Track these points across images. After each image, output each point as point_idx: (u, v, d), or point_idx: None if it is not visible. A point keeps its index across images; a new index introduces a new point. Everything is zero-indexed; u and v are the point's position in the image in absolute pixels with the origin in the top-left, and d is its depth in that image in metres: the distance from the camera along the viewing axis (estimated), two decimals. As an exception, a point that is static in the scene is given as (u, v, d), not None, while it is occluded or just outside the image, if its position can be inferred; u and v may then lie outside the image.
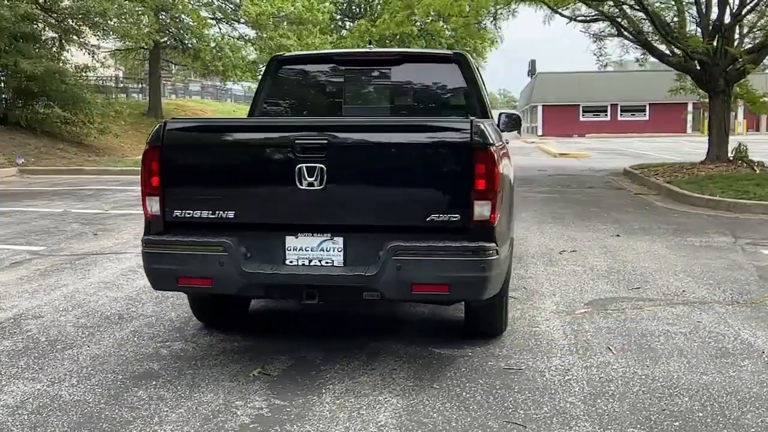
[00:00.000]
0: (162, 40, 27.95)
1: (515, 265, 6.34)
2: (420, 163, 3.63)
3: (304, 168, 3.60)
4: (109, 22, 20.47)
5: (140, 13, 21.68)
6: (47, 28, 21.15)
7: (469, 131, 3.54)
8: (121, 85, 36.16)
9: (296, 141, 3.62)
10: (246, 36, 31.84)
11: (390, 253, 3.54)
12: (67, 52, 22.29)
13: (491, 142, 3.59)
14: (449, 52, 5.29)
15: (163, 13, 27.06)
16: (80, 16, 20.03)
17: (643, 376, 3.85)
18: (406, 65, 5.35)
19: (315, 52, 5.80)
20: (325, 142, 3.61)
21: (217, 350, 4.30)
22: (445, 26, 36.52)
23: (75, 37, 21.86)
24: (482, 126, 3.58)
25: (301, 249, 3.72)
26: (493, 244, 3.60)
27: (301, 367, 3.99)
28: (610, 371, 3.94)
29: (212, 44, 28.45)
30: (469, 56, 5.28)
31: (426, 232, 3.61)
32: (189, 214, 3.74)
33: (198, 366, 4.03)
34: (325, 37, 32.78)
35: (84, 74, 22.38)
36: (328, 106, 5.32)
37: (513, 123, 6.27)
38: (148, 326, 4.78)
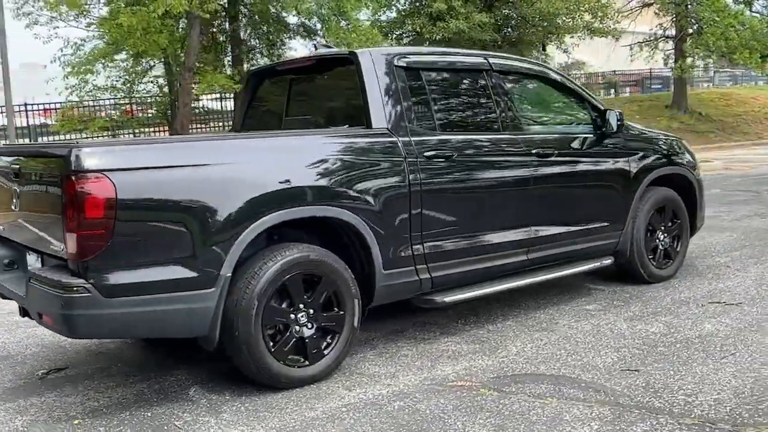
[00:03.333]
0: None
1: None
2: (46, 190, 3.54)
3: (15, 190, 3.90)
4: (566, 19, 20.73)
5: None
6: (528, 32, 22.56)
7: (64, 156, 3.31)
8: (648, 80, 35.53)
9: (12, 165, 3.93)
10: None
11: (27, 279, 3.59)
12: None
13: (87, 167, 3.25)
14: (345, 51, 4.48)
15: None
16: (541, 20, 20.80)
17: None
18: (326, 71, 4.77)
19: (275, 62, 5.54)
20: (18, 168, 3.83)
21: (107, 349, 4.79)
22: None
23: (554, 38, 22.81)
24: (79, 151, 3.28)
25: (32, 266, 4.00)
26: (81, 281, 3.27)
27: (83, 377, 4.23)
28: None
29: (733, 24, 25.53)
30: (374, 53, 4.38)
31: (63, 261, 3.50)
32: (-3, 226, 4.39)
33: (55, 359, 4.64)
34: None
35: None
36: (279, 118, 5.12)
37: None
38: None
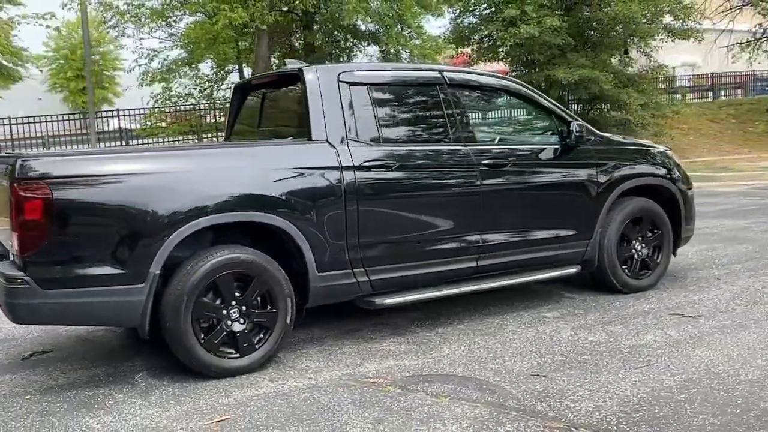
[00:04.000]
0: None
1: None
2: (7, 194, 4.03)
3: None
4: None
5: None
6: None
7: (11, 166, 3.83)
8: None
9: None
10: None
11: (-8, 273, 4.14)
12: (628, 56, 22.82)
13: (27, 176, 3.75)
14: (296, 68, 4.81)
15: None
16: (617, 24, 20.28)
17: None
18: (286, 86, 5.11)
19: (252, 77, 5.92)
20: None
21: (94, 336, 5.35)
22: None
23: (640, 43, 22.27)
24: (22, 162, 3.78)
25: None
26: (22, 274, 3.78)
27: (58, 359, 4.77)
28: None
29: None
30: (320, 69, 4.71)
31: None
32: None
33: (46, 342, 5.24)
34: None
35: (645, 76, 22.53)
36: (254, 130, 5.52)
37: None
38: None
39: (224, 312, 4.19)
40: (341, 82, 4.67)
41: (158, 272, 3.98)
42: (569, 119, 5.42)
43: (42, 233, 3.77)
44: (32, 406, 3.92)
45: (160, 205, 3.97)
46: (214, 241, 4.36)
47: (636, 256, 5.76)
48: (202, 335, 4.14)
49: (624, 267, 5.70)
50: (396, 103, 4.94)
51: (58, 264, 3.82)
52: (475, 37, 23.09)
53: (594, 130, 5.64)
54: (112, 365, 4.56)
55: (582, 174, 5.42)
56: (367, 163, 4.57)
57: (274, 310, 4.32)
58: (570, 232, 5.39)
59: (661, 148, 6.13)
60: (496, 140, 5.30)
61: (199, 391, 4.04)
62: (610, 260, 5.58)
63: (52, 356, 4.86)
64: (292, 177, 4.36)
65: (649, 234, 5.82)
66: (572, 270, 5.48)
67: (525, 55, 21.17)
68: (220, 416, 3.67)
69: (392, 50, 16.63)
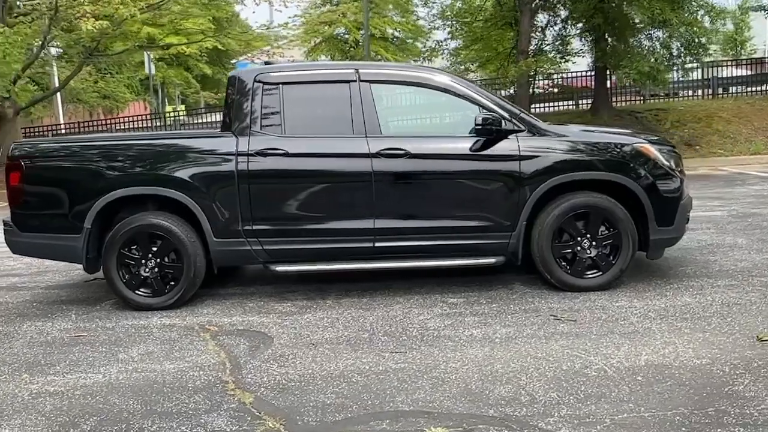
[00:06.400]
0: None
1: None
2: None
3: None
4: None
5: None
6: None
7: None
8: None
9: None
10: None
11: (2, 220, 6.15)
12: None
13: (11, 156, 5.59)
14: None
15: None
16: None
17: None
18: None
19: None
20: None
21: None
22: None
23: None
24: (11, 145, 5.69)
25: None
26: (10, 222, 5.69)
27: (96, 285, 6.74)
28: None
29: None
30: (241, 72, 5.70)
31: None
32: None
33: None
34: None
35: None
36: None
37: None
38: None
39: (142, 261, 5.58)
40: (257, 81, 5.62)
41: (89, 227, 5.53)
42: (498, 112, 5.45)
43: (19, 195, 5.63)
44: (24, 311, 5.84)
45: (91, 179, 5.52)
46: (160, 208, 5.72)
47: (579, 254, 5.52)
48: (126, 276, 5.59)
49: (564, 264, 5.53)
50: (305, 99, 5.64)
51: (28, 216, 5.65)
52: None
53: (533, 121, 5.56)
54: (108, 295, 6.26)
55: (500, 166, 5.44)
56: (264, 151, 5.47)
57: (180, 264, 5.56)
58: (484, 224, 5.48)
59: (628, 140, 5.62)
60: (409, 132, 5.63)
61: (110, 317, 5.51)
62: (541, 255, 5.49)
63: (101, 282, 6.77)
64: (195, 161, 5.51)
65: (605, 231, 5.51)
66: (493, 260, 5.57)
67: None
68: (84, 333, 5.11)
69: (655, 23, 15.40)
